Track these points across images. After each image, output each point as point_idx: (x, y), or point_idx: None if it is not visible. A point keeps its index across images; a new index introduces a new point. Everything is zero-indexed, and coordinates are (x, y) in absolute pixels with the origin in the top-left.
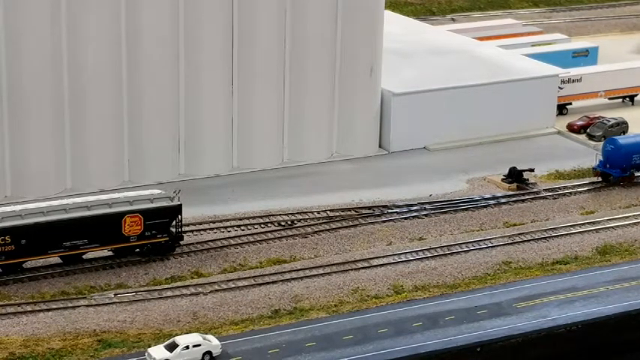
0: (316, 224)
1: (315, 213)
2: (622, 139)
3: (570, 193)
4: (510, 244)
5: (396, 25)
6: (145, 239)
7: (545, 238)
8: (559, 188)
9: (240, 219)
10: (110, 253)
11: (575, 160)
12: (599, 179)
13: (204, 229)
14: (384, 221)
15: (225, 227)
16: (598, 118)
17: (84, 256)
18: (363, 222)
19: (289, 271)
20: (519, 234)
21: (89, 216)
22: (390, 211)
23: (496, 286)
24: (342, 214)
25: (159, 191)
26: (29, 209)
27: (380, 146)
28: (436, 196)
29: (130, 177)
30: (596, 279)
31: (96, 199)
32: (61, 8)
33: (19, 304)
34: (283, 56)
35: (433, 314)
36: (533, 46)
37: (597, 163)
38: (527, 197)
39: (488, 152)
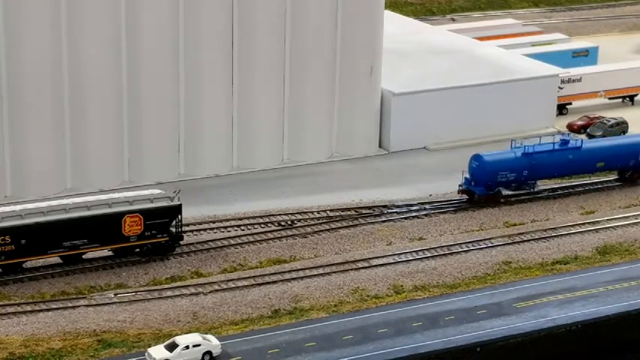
0: (316, 224)
1: (315, 213)
2: (487, 156)
3: (570, 193)
4: (510, 244)
5: (396, 25)
6: (145, 239)
7: (545, 238)
8: (559, 188)
9: (240, 219)
10: (110, 253)
11: None
12: (466, 197)
13: (204, 229)
14: (384, 221)
15: (225, 227)
16: (598, 118)
17: (84, 256)
18: (363, 222)
19: (289, 271)
20: (519, 234)
21: (89, 216)
22: (390, 211)
23: (496, 286)
24: (342, 214)
25: (159, 191)
26: (29, 209)
27: (380, 146)
28: (436, 196)
29: (130, 177)
30: (596, 279)
31: (96, 199)
32: (61, 8)
33: (19, 304)
34: (283, 56)
35: (433, 314)
36: (533, 46)
37: (463, 180)
38: (527, 197)
39: None
